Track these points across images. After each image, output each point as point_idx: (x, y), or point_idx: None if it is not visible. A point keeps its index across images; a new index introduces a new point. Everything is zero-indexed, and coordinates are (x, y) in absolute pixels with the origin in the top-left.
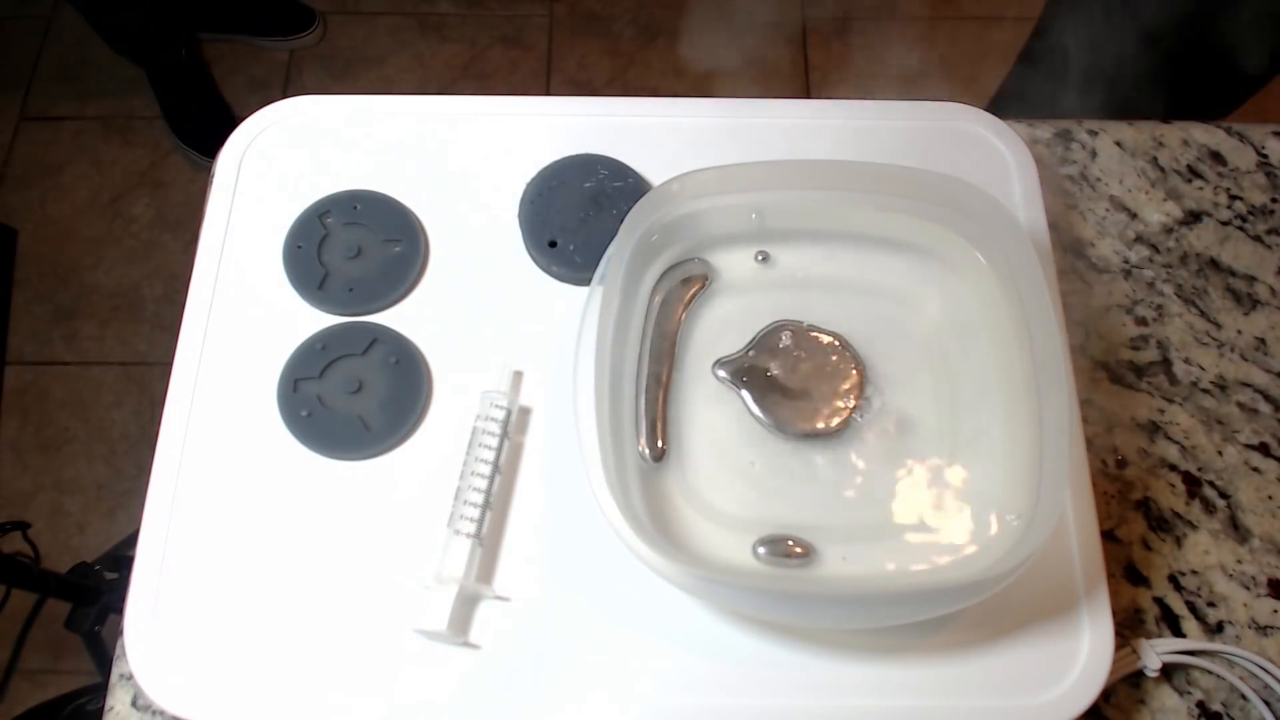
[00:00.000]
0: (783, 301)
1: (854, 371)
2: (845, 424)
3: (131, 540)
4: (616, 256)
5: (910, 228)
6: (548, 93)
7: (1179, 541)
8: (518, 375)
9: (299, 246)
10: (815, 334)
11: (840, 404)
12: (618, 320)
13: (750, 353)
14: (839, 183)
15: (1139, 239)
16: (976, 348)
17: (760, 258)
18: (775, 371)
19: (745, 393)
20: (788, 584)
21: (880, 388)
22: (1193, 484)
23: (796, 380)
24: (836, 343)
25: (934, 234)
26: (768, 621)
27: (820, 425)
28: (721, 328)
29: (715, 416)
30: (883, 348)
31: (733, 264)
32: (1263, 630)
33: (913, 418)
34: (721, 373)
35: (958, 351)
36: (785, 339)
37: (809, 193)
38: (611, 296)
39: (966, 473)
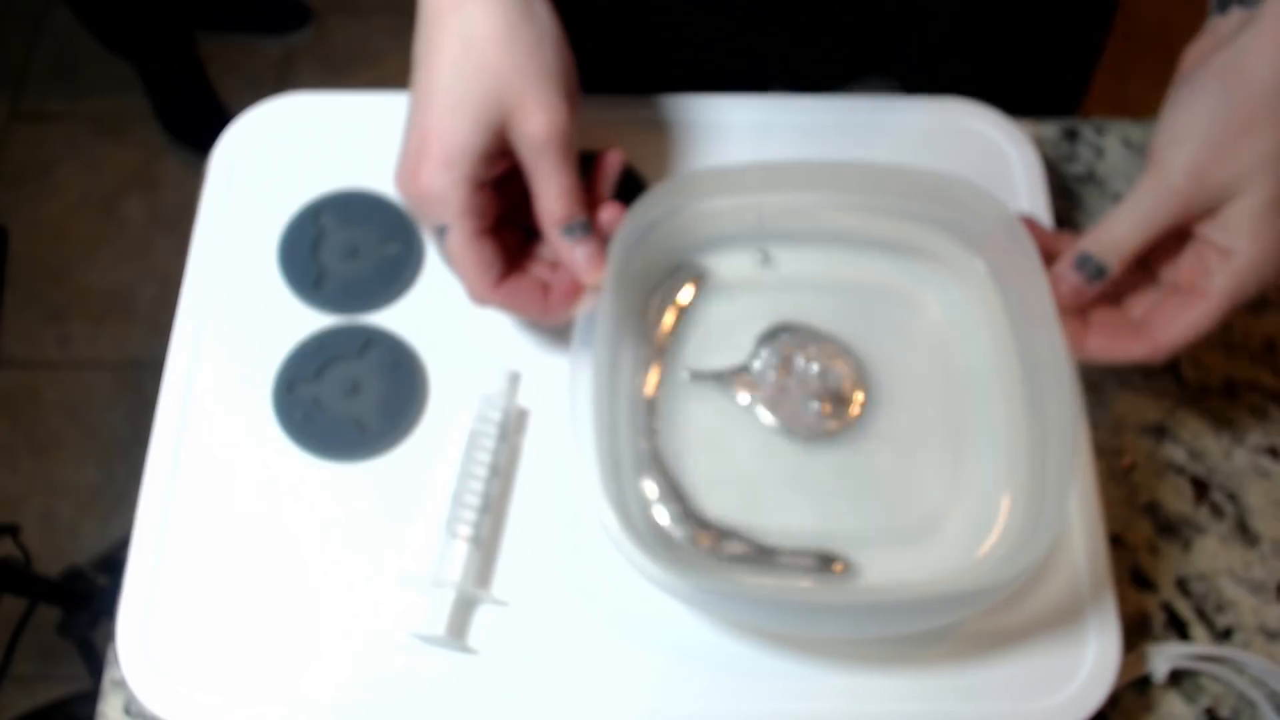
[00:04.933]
0: (783, 303)
1: (855, 374)
2: (845, 427)
3: (124, 544)
4: (614, 257)
5: (913, 229)
6: None
7: (1186, 546)
8: (515, 377)
9: (294, 246)
10: (816, 336)
11: (841, 407)
12: (614, 322)
13: (750, 355)
14: (840, 184)
15: None
16: (979, 350)
17: (761, 258)
18: (775, 374)
19: (743, 395)
20: (786, 595)
21: (881, 391)
22: (1200, 487)
23: (796, 383)
24: (837, 345)
25: (936, 235)
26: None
27: (820, 429)
28: (722, 329)
29: (713, 419)
30: (884, 350)
31: (733, 265)
32: (1272, 636)
33: (914, 422)
34: (720, 375)
35: (960, 354)
36: (786, 341)
37: (810, 194)
38: (608, 297)
39: (968, 477)
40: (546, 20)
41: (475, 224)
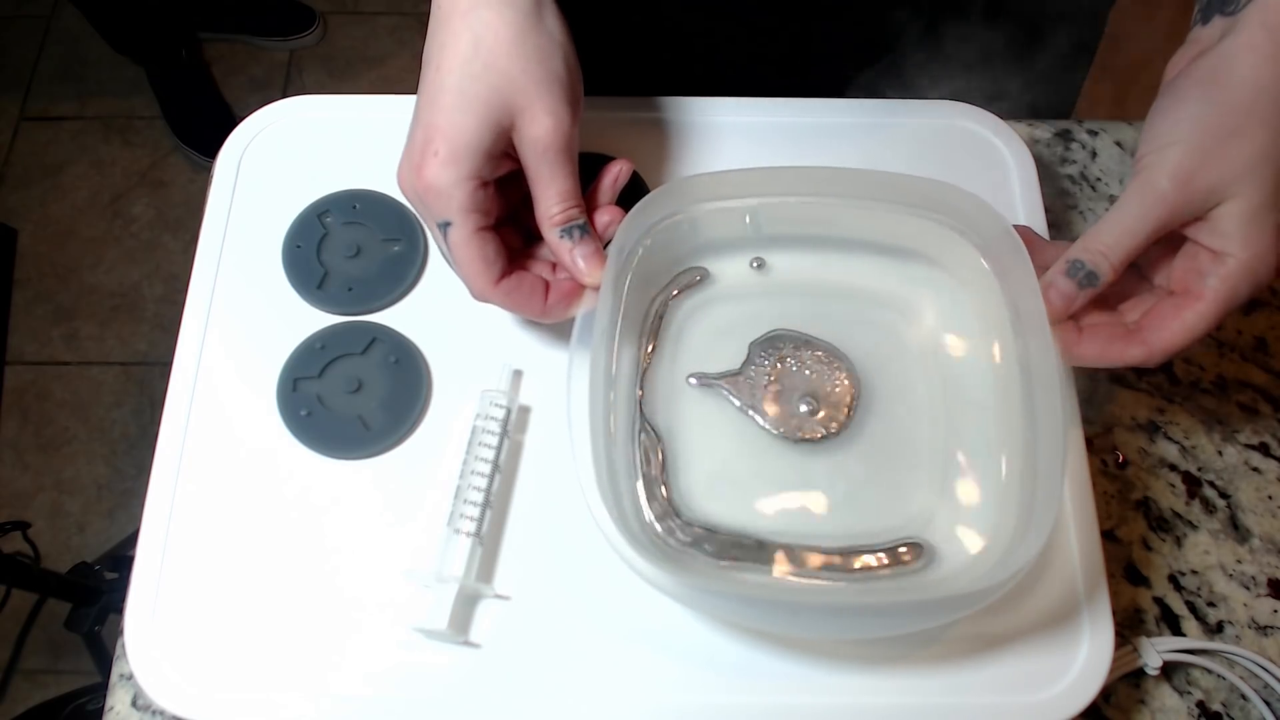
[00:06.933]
0: (778, 308)
1: (849, 378)
2: (840, 431)
3: (131, 540)
4: (612, 260)
5: (906, 234)
6: None
7: (1179, 541)
8: (517, 374)
9: (298, 246)
10: (811, 340)
11: (835, 411)
12: (612, 324)
13: (746, 359)
14: (834, 189)
15: None
16: (972, 354)
17: (755, 264)
18: (770, 378)
19: (739, 399)
20: (777, 594)
21: (875, 394)
22: (1193, 484)
23: (791, 387)
24: (832, 349)
25: (930, 240)
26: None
27: (815, 432)
28: (717, 334)
29: (709, 423)
30: (878, 354)
31: (729, 270)
32: (1263, 630)
33: (908, 425)
34: (716, 379)
35: (953, 358)
36: (781, 345)
37: (804, 199)
38: (605, 300)
39: (962, 480)
40: (556, 29)
41: (478, 221)
